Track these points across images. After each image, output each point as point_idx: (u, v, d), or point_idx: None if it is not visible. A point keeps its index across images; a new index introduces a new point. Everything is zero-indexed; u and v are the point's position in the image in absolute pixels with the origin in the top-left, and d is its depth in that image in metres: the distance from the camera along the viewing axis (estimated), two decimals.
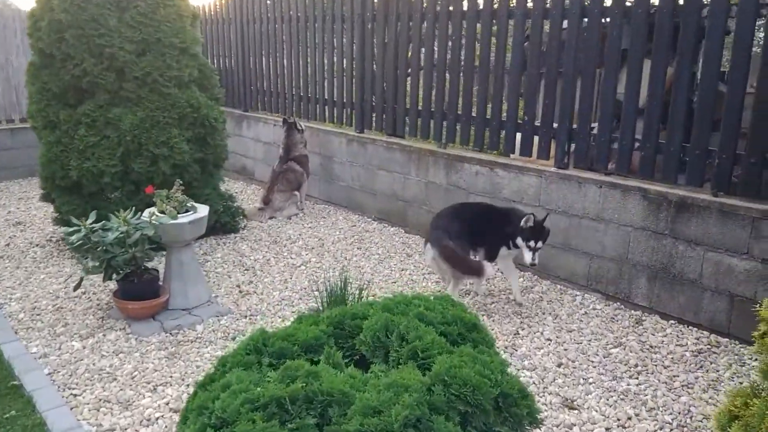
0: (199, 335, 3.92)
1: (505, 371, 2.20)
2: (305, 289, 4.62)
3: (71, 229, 3.91)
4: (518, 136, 5.07)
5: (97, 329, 3.99)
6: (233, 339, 3.88)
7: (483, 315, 4.20)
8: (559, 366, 3.52)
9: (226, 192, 6.11)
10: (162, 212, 4.15)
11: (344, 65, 6.67)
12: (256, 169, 8.07)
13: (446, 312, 2.48)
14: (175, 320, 4.08)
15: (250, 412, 1.96)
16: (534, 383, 3.33)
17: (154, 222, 3.98)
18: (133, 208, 4.20)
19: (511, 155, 5.34)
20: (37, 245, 5.57)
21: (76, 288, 4.04)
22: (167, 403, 3.15)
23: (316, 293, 4.09)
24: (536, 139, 4.92)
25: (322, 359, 2.24)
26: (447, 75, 5.63)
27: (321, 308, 3.94)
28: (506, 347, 3.73)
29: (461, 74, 5.45)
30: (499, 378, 2.11)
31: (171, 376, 3.41)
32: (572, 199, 4.61)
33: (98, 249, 3.89)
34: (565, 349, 3.72)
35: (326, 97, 7.01)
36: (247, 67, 8.14)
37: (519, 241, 4.07)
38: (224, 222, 5.88)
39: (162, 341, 3.83)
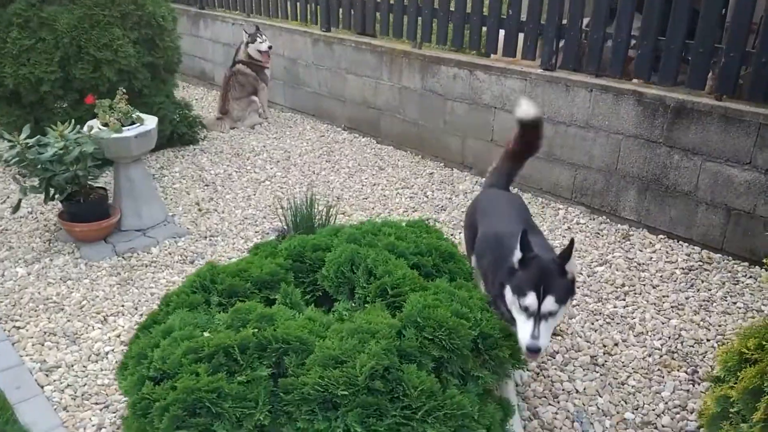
0: (155, 259, 3.62)
1: (485, 308, 1.96)
2: (270, 206, 4.30)
3: (5, 146, 3.48)
4: (501, 33, 4.62)
5: (43, 253, 3.66)
6: (191, 262, 3.59)
7: (459, 233, 3.95)
8: None
9: (182, 100, 5.63)
10: (105, 125, 3.73)
11: None
12: (215, 73, 7.47)
13: (420, 241, 2.20)
14: (128, 242, 3.77)
15: (194, 363, 1.71)
16: None
17: (94, 137, 3.56)
18: (73, 120, 3.75)
19: (493, 56, 4.91)
20: None
21: (14, 210, 3.67)
22: (118, 336, 2.90)
23: (281, 211, 3.78)
24: (521, 36, 4.49)
25: (278, 298, 1.97)
26: None
27: (286, 228, 3.65)
28: None
29: None
30: (479, 317, 1.87)
31: (123, 305, 3.15)
32: (559, 104, 4.26)
33: (37, 167, 3.49)
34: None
35: None
36: None
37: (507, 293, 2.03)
38: (181, 133, 5.44)
39: (114, 266, 3.53)
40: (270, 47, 5.97)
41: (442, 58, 4.93)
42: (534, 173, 4.48)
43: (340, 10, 5.86)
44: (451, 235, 3.90)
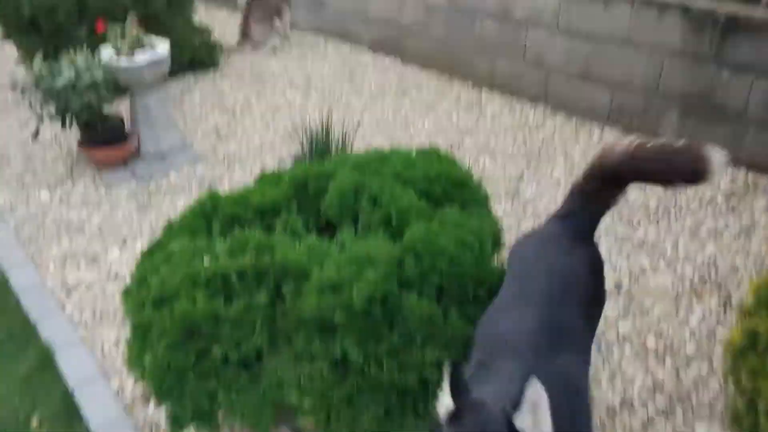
0: (173, 184, 3.62)
1: (497, 235, 1.87)
2: (289, 132, 4.20)
3: (18, 77, 3.44)
4: None
5: (66, 178, 3.71)
6: (209, 187, 3.56)
7: (485, 157, 3.81)
8: None
9: (202, 24, 5.45)
10: (117, 52, 3.63)
11: None
12: None
13: (430, 168, 2.09)
14: (147, 168, 3.77)
15: (192, 288, 1.69)
16: None
17: (104, 64, 3.49)
18: (85, 47, 3.68)
19: None
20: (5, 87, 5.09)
21: (34, 137, 3.67)
22: (134, 259, 2.92)
23: (299, 137, 3.69)
24: None
25: (278, 226, 1.91)
26: None
27: (302, 154, 3.57)
28: (507, 193, 3.40)
29: None
30: (483, 244, 1.78)
31: (141, 229, 3.18)
32: (597, 20, 3.95)
33: (52, 95, 3.45)
34: None
35: None
36: None
37: None
38: (201, 58, 5.31)
39: (133, 191, 3.55)
40: None
41: None
42: (569, 93, 4.25)
43: None
44: (475, 161, 3.76)
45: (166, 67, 3.81)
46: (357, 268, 1.63)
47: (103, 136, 3.68)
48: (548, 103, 4.41)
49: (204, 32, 5.41)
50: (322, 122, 3.54)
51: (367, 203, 1.91)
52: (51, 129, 4.14)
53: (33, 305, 2.63)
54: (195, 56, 5.23)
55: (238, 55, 5.73)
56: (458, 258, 1.69)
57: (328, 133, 3.56)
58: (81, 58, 3.51)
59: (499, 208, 3.23)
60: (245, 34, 5.84)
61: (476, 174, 3.45)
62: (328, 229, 2.01)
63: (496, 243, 1.92)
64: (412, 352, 1.58)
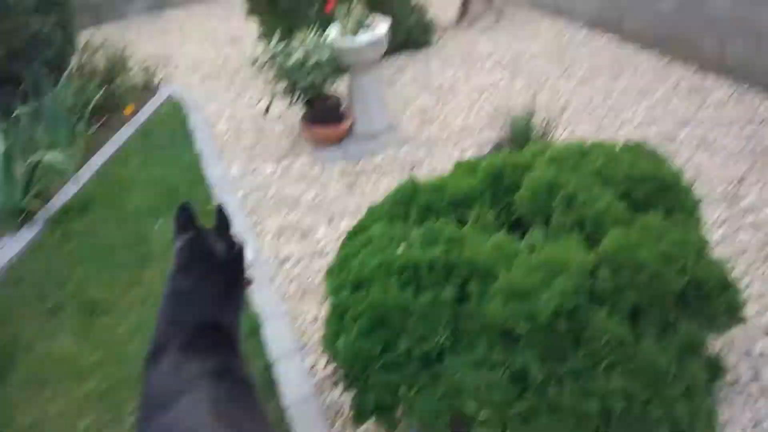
0: (379, 165, 3.86)
1: (701, 251, 1.72)
2: (490, 115, 4.21)
3: (258, 53, 3.92)
4: None
5: (289, 152, 4.15)
6: (411, 169, 3.75)
7: (703, 153, 3.44)
8: None
9: (418, 3, 5.63)
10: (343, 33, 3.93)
11: None
12: None
13: (634, 167, 1.97)
14: (358, 147, 4.05)
15: (386, 275, 1.82)
16: (755, 247, 2.69)
17: (328, 44, 3.80)
18: (315, 26, 4.03)
19: None
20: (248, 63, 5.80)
21: (266, 112, 4.15)
22: (338, 237, 3.20)
23: (501, 122, 3.69)
24: None
25: (470, 219, 1.97)
26: None
27: (502, 140, 3.56)
28: (725, 197, 3.04)
29: None
30: (691, 263, 1.65)
31: (347, 208, 3.45)
32: None
33: (283, 72, 3.86)
34: None
35: None
36: None
37: None
38: (416, 37, 5.51)
39: (343, 169, 3.86)
40: None
41: None
42: None
43: None
44: (689, 157, 3.41)
45: (384, 47, 3.99)
46: (545, 275, 1.61)
47: (323, 115, 4.04)
48: None
49: (420, 10, 5.58)
50: (526, 107, 3.49)
51: (561, 202, 1.87)
52: (280, 105, 4.67)
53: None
54: (410, 35, 5.44)
55: (452, 32, 5.82)
56: (661, 275, 1.58)
57: (530, 120, 3.50)
58: (311, 38, 3.86)
59: (713, 214, 2.91)
60: (465, 10, 5.90)
61: (689, 173, 3.20)
62: (519, 224, 2.01)
63: (699, 258, 1.75)
64: (596, 377, 1.51)
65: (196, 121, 4.80)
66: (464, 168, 2.25)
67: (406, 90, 4.83)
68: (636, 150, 2.10)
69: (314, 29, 3.97)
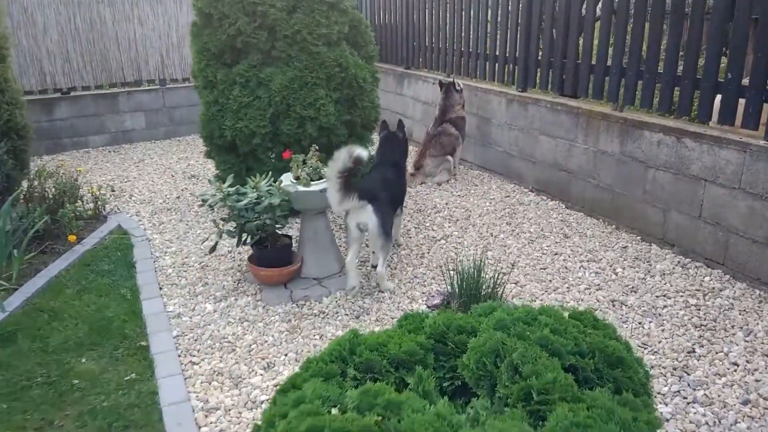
0: (324, 309, 3.73)
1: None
2: (441, 267, 4.21)
3: (208, 193, 3.90)
4: (717, 98, 4.06)
5: (231, 292, 3.99)
6: (357, 317, 3.63)
7: (651, 321, 3.46)
8: (745, 404, 2.74)
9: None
10: (297, 179, 4.00)
11: (509, 14, 5.95)
12: (413, 130, 7.74)
13: (582, 338, 1.91)
14: (305, 290, 3.94)
15: None
16: (707, 425, 2.60)
17: (281, 189, 3.83)
18: (270, 173, 4.11)
19: (707, 123, 4.33)
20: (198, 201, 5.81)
21: (211, 251, 4.06)
22: (276, 385, 2.99)
23: (450, 274, 3.67)
24: (742, 102, 3.89)
25: (411, 382, 1.83)
26: (629, 22, 4.70)
27: (449, 294, 3.52)
28: (675, 369, 3.00)
29: (646, 20, 4.51)
30: None
31: (287, 354, 3.26)
32: None
33: (233, 213, 3.85)
34: (758, 381, 2.89)
35: (488, 51, 6.37)
36: (411, 22, 7.73)
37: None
38: None
39: (287, 312, 3.71)
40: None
41: (646, 122, 4.48)
42: (753, 259, 3.79)
43: (538, 70, 5.69)
44: (639, 324, 3.42)
45: None
46: None
47: (271, 256, 3.97)
48: (728, 268, 3.97)
49: None
50: (475, 261, 3.51)
51: (507, 371, 1.76)
52: (229, 244, 4.59)
53: (173, 424, 2.68)
54: None
55: (408, 186, 6.01)
56: None
57: (479, 274, 3.50)
58: (264, 182, 3.90)
59: (663, 387, 2.85)
60: (418, 166, 6.15)
61: (638, 341, 3.18)
62: (464, 390, 1.89)
63: None
64: None
65: (140, 254, 4.64)
66: (409, 323, 2.15)
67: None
68: (584, 318, 2.06)
69: (269, 175, 4.03)
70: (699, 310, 3.58)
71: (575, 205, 5.23)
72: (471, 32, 6.58)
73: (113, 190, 6.19)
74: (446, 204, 5.51)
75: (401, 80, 7.99)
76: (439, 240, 4.72)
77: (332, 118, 5.03)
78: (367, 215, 3.68)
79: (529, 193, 5.70)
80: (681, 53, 4.46)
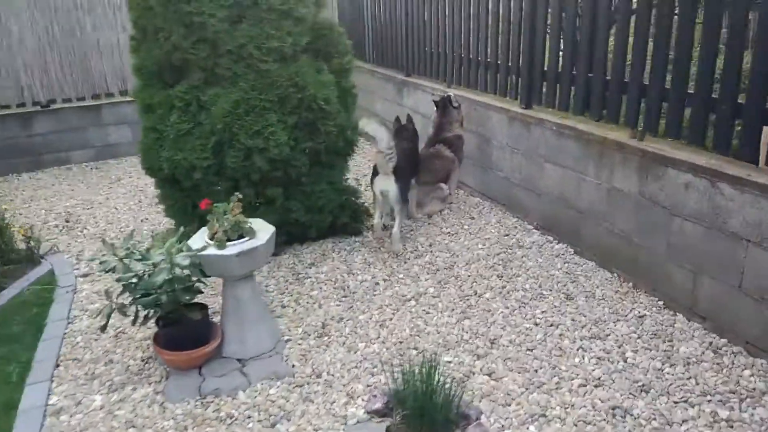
0: (234, 410, 2.91)
1: None
2: (401, 344, 3.33)
3: (102, 260, 3.12)
4: (765, 131, 3.03)
5: (134, 376, 3.21)
6: (273, 426, 2.80)
7: None
8: None
9: (350, 187, 4.98)
10: (212, 237, 3.18)
11: (511, 14, 4.96)
12: None
13: None
14: (220, 378, 3.14)
15: None
16: None
17: (189, 254, 3.02)
18: (181, 229, 3.31)
19: (754, 164, 3.26)
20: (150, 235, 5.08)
21: (102, 329, 3.23)
22: None
23: (396, 370, 2.80)
24: None
25: None
26: (651, 29, 3.68)
27: (396, 391, 2.65)
28: None
29: (672, 26, 3.48)
30: None
31: None
32: None
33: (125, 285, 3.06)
34: None
35: (488, 59, 5.39)
36: (411, 23, 6.79)
37: None
38: (343, 223, 4.80)
39: (186, 414, 2.90)
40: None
41: (670, 157, 3.46)
42: None
43: (544, 83, 4.69)
44: None
45: (262, 258, 3.29)
46: None
47: (179, 335, 3.17)
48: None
49: (351, 194, 4.93)
50: (427, 358, 2.62)
51: None
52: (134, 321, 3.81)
53: None
54: (336, 220, 4.75)
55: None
56: None
57: (430, 377, 2.61)
58: (168, 246, 3.09)
59: None
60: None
61: None
62: None
63: None
64: None
65: (57, 313, 3.93)
66: None
67: (315, 291, 4.00)
68: None
69: (177, 235, 3.22)
70: (732, 429, 2.59)
71: (586, 251, 4.24)
72: (471, 33, 5.60)
73: (67, 221, 5.55)
74: (430, 246, 4.59)
75: (401, 89, 7.07)
76: (409, 300, 3.82)
77: (285, 149, 4.19)
78: (390, 184, 4.35)
79: (533, 231, 4.72)
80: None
